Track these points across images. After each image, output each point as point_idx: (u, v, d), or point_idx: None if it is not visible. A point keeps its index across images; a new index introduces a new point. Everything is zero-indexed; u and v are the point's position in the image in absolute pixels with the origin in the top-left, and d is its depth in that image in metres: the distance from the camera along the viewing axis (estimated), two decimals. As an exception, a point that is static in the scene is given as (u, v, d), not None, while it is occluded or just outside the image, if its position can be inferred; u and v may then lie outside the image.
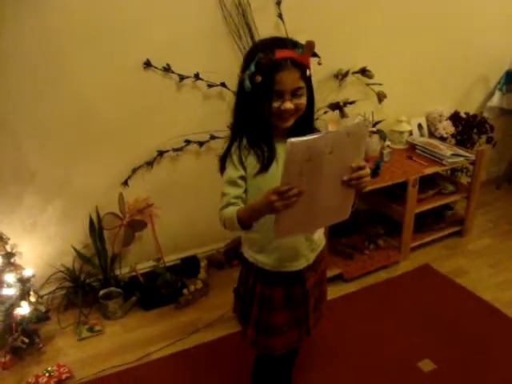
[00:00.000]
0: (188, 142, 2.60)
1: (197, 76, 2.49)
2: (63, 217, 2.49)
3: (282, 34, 2.56)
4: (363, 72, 2.89)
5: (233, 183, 1.44)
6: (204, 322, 2.50)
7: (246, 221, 1.36)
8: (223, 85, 2.53)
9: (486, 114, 3.44)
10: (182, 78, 2.46)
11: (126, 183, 2.56)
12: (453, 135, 3.18)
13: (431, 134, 3.28)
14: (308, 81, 1.41)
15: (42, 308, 2.35)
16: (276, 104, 1.37)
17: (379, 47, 2.99)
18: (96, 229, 2.52)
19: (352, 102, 2.84)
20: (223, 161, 1.50)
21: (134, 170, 2.56)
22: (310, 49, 1.41)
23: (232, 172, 1.45)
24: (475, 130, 3.24)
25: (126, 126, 2.47)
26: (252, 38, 2.53)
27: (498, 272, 2.89)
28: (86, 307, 2.55)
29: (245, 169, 1.45)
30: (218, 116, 2.63)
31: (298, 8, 2.61)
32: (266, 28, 2.52)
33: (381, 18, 2.96)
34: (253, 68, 1.35)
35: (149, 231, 2.69)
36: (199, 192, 2.76)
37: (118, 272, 2.65)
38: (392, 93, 2.96)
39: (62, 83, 2.26)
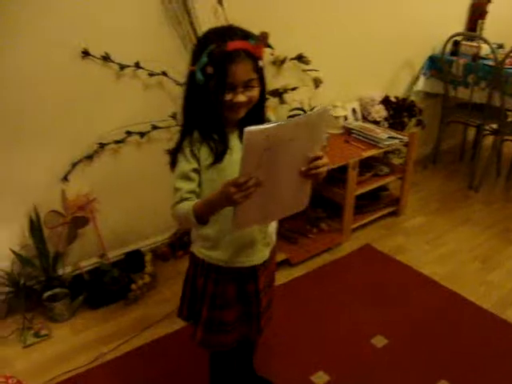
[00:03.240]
0: (129, 133, 2.51)
1: (137, 65, 2.40)
2: (-1, 217, 2.33)
3: (221, 21, 2.53)
4: (300, 58, 2.92)
5: (186, 177, 1.40)
6: (156, 316, 2.44)
7: (204, 215, 1.33)
8: (164, 74, 2.47)
9: (412, 98, 3.60)
10: (122, 66, 2.36)
11: (65, 178, 2.43)
12: (386, 119, 3.30)
13: (364, 118, 3.38)
14: (260, 72, 1.38)
15: (-18, 316, 2.21)
16: (228, 96, 1.33)
17: (314, 34, 3.04)
18: (36, 228, 2.38)
19: (294, 89, 2.87)
20: (173, 155, 1.45)
21: (74, 165, 2.43)
22: (263, 40, 1.39)
23: (184, 165, 1.40)
24: (405, 114, 3.37)
25: (63, 118, 2.33)
26: (192, 24, 2.48)
27: (434, 248, 3.05)
28: (29, 312, 2.40)
29: (198, 161, 1.41)
30: (158, 105, 2.58)
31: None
32: (205, 14, 2.48)
33: (315, 6, 3.00)
34: (205, 59, 1.30)
35: (90, 227, 2.58)
36: (141, 184, 2.69)
37: (61, 272, 2.52)
38: (327, 78, 3.03)
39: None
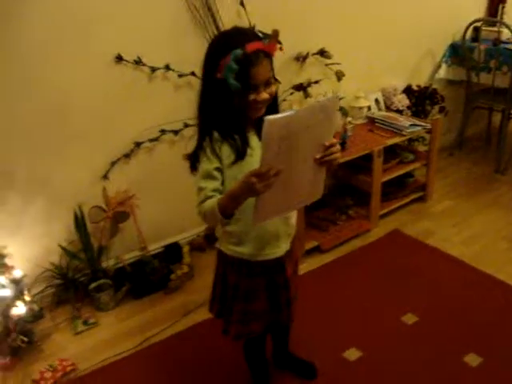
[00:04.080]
0: (163, 131, 2.66)
1: (167, 67, 2.56)
2: (47, 215, 2.51)
3: (245, 21, 2.67)
4: (322, 53, 3.03)
5: (209, 176, 1.44)
6: (194, 303, 2.58)
7: (228, 209, 1.35)
8: (193, 74, 2.61)
9: (435, 86, 3.66)
10: (153, 69, 2.52)
11: (105, 177, 2.60)
12: (408, 107, 3.37)
13: (388, 108, 3.46)
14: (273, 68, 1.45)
15: (36, 307, 2.38)
16: (252, 96, 1.39)
17: (334, 29, 3.14)
18: (81, 224, 2.55)
19: (316, 82, 2.98)
20: (194, 158, 1.49)
21: (113, 163, 2.60)
22: (275, 38, 1.48)
23: (207, 165, 1.44)
24: (428, 101, 3.44)
25: (101, 120, 2.50)
26: (216, 26, 2.61)
27: (461, 230, 3.11)
28: (77, 302, 2.58)
29: (220, 159, 1.44)
30: (188, 104, 2.63)
31: (258, -5, 2.72)
32: (228, 16, 2.62)
33: (335, 2, 3.10)
34: (235, 66, 1.34)
35: (130, 222, 2.73)
36: (176, 179, 2.80)
37: (104, 265, 2.70)
38: (349, 71, 3.11)
39: (35, 82, 2.27)
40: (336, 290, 2.64)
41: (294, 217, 1.66)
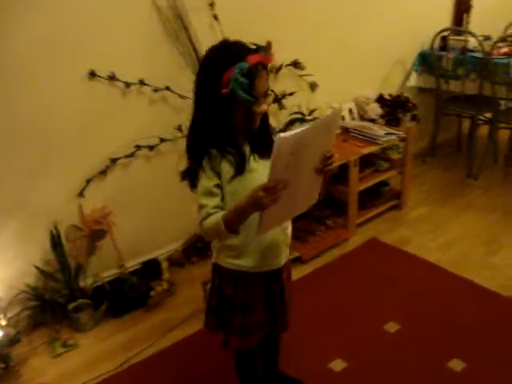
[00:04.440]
0: (138, 147, 2.63)
1: (142, 82, 2.53)
2: (21, 236, 2.44)
3: (217, 34, 2.67)
4: (295, 64, 3.05)
5: (209, 193, 1.44)
6: (176, 320, 2.54)
7: (234, 224, 1.36)
8: (168, 88, 2.59)
9: (406, 94, 3.72)
10: (127, 84, 2.50)
11: (81, 194, 2.55)
12: (381, 116, 3.42)
13: (361, 117, 3.50)
14: None
15: (12, 331, 2.32)
16: (253, 108, 1.40)
17: (307, 40, 3.18)
18: (57, 243, 2.49)
19: (291, 94, 2.99)
20: (191, 175, 1.49)
21: (88, 181, 2.56)
22: (269, 49, 1.49)
23: (207, 182, 1.44)
24: (400, 110, 3.49)
25: (75, 137, 2.47)
26: (190, 39, 2.60)
27: (437, 237, 3.15)
28: (55, 324, 2.52)
29: (219, 176, 1.45)
30: (164, 119, 2.71)
31: (231, 9, 2.72)
32: (201, 29, 2.62)
33: (305, 13, 3.14)
34: (244, 79, 1.34)
35: (107, 239, 2.69)
36: (153, 195, 2.82)
37: (82, 284, 2.64)
38: (322, 82, 3.15)
39: (6, 99, 2.22)
40: (317, 301, 2.63)
41: (290, 226, 1.67)
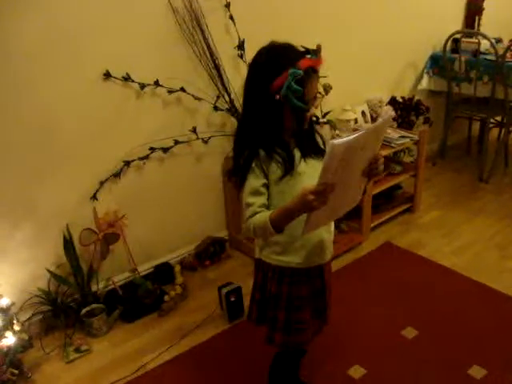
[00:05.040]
0: (153, 149, 2.59)
1: (156, 83, 2.49)
2: (34, 239, 2.40)
3: (234, 35, 2.64)
4: (309, 66, 3.02)
5: (256, 192, 1.47)
6: (191, 324, 2.50)
7: (281, 223, 1.39)
8: (183, 90, 2.56)
9: (417, 97, 3.69)
10: (142, 86, 2.46)
11: (94, 197, 2.51)
12: (394, 119, 3.39)
13: (374, 120, 3.46)
14: None
15: (25, 336, 2.27)
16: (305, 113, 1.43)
17: (322, 42, 3.11)
18: (70, 246, 2.45)
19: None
20: (240, 175, 1.51)
21: (102, 183, 2.52)
22: (319, 52, 1.47)
23: (254, 182, 1.47)
24: (413, 113, 3.46)
25: (89, 139, 2.42)
26: (206, 40, 2.57)
27: (451, 241, 3.13)
28: (68, 328, 2.48)
29: (266, 176, 1.48)
30: (178, 121, 2.68)
31: (247, 10, 2.69)
32: (217, 30, 2.60)
33: (319, 15, 3.12)
34: (298, 87, 1.35)
35: (120, 243, 2.65)
36: (166, 198, 2.78)
37: (95, 288, 2.60)
38: (335, 84, 3.10)
39: (20, 100, 2.18)
40: (334, 306, 2.59)
41: (332, 224, 1.69)
